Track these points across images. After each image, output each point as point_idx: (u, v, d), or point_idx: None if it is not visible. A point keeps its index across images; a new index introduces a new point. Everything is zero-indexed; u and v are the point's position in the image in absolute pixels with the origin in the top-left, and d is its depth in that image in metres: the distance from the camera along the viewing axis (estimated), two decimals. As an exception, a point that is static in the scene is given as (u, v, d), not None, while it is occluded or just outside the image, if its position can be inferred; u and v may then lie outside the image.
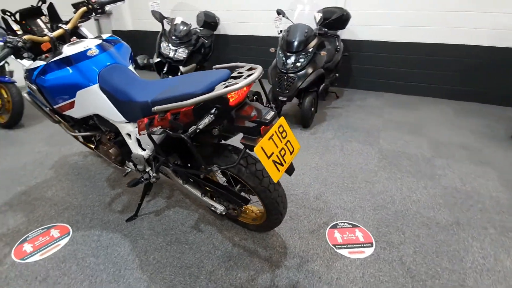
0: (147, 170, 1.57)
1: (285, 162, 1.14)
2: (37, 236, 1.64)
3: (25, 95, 1.69)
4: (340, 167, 2.29)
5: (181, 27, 3.72)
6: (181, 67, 3.69)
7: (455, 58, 3.56)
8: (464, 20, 3.36)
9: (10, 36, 1.31)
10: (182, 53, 3.66)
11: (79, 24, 1.70)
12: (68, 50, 1.44)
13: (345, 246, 1.56)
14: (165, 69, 3.73)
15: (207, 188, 1.48)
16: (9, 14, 1.51)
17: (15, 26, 1.55)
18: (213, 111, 1.03)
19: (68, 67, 1.42)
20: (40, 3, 1.60)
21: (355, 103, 3.68)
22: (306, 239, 1.60)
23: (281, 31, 3.01)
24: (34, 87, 1.50)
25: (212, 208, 1.46)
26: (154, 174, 1.50)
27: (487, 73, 3.49)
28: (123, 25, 5.51)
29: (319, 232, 1.65)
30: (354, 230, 1.67)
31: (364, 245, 1.57)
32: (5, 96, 2.93)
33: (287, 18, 3.11)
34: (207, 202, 1.47)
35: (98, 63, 1.46)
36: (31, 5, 1.59)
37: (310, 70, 2.78)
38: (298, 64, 2.77)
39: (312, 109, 2.93)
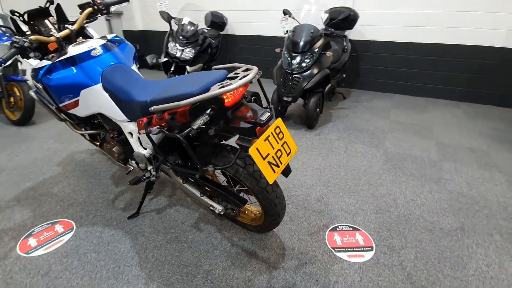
0: (148, 168, 1.59)
1: (281, 163, 1.14)
2: (42, 231, 1.68)
3: (32, 93, 1.74)
4: (343, 168, 2.27)
5: (188, 27, 3.75)
6: (187, 67, 3.73)
7: (467, 59, 3.47)
8: (478, 20, 3.27)
9: (16, 37, 1.35)
10: (188, 53, 3.69)
11: (86, 25, 1.74)
12: (73, 50, 1.47)
13: (344, 249, 1.55)
14: (172, 69, 3.77)
15: (206, 188, 1.49)
16: (18, 14, 1.56)
17: (24, 27, 1.60)
18: (208, 111, 1.04)
19: (72, 67, 1.45)
20: (48, 4, 1.64)
21: (362, 104, 3.63)
22: (305, 241, 1.59)
23: (287, 31, 3.00)
24: (40, 86, 1.54)
25: (211, 208, 1.47)
26: (154, 173, 1.52)
27: (501, 75, 3.38)
28: (134, 25, 5.60)
29: (318, 235, 1.64)
30: (355, 233, 1.65)
31: (364, 248, 1.55)
32: (18, 94, 3.02)
33: (294, 18, 3.09)
34: (206, 201, 1.48)
35: (102, 63, 1.49)
36: (39, 6, 1.63)
37: (315, 71, 2.76)
38: (304, 65, 2.76)
39: (317, 109, 2.91)
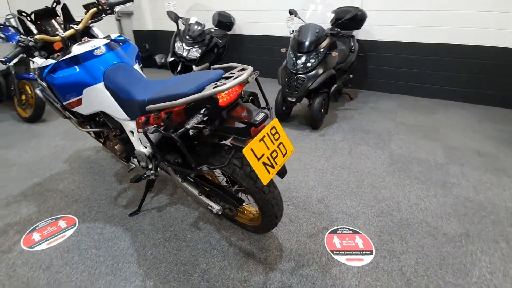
0: (149, 166, 1.61)
1: (276, 164, 1.13)
2: (46, 226, 1.72)
3: (37, 91, 1.79)
4: (346, 170, 2.24)
5: (195, 27, 3.78)
6: (194, 67, 3.75)
7: (478, 60, 3.37)
8: (488, 21, 3.17)
9: (22, 36, 1.39)
10: (195, 52, 3.72)
11: (91, 25, 1.76)
12: (76, 49, 1.50)
13: (343, 252, 1.52)
14: (178, 68, 3.80)
15: (204, 187, 1.50)
16: (25, 14, 1.60)
17: (31, 26, 1.64)
18: (202, 111, 1.04)
19: (75, 66, 1.48)
20: (55, 4, 1.68)
21: (369, 105, 3.58)
22: (304, 243, 1.58)
23: (292, 31, 2.98)
24: (44, 84, 1.58)
25: (209, 207, 1.48)
26: (153, 171, 1.53)
27: (510, 76, 3.28)
28: (144, 25, 5.68)
29: (317, 237, 1.62)
30: (354, 236, 1.63)
31: (363, 252, 1.52)
32: (29, 92, 3.10)
33: (299, 18, 3.07)
34: (204, 201, 1.48)
35: (104, 62, 1.51)
36: (46, 6, 1.67)
37: (320, 71, 2.73)
38: (309, 65, 2.73)
39: (322, 110, 2.88)
